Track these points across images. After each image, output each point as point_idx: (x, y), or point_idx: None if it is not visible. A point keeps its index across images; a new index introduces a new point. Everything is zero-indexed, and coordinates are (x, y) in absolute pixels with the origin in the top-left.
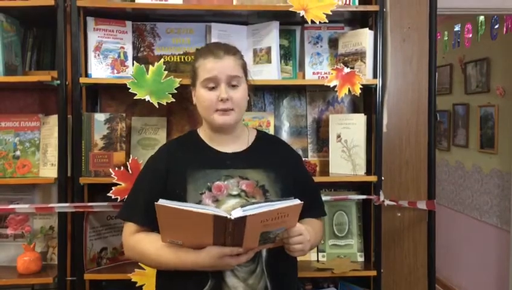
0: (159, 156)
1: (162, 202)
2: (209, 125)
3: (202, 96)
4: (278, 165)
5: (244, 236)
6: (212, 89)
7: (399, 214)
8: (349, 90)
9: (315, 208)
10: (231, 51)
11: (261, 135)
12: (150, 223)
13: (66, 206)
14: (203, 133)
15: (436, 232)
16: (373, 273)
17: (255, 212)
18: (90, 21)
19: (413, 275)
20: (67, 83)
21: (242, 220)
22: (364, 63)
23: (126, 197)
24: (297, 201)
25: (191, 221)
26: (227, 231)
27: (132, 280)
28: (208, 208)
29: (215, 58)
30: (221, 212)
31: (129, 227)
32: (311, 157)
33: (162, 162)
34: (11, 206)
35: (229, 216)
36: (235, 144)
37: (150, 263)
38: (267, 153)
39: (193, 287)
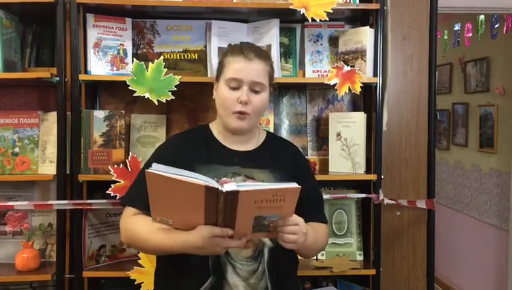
0: (167, 146)
1: (154, 167)
2: (223, 124)
3: (223, 95)
4: (284, 166)
5: (236, 216)
6: (234, 89)
7: (398, 213)
8: (349, 88)
9: (317, 214)
10: (262, 55)
11: (271, 137)
12: (150, 211)
13: (64, 204)
14: (215, 128)
15: (435, 231)
16: (372, 272)
17: (248, 189)
18: (90, 18)
19: (412, 274)
20: (66, 79)
21: (234, 195)
22: (365, 61)
23: (132, 184)
24: (295, 184)
25: (182, 192)
26: (219, 207)
27: (131, 278)
28: (200, 177)
29: (244, 60)
30: (213, 183)
31: (128, 210)
32: (311, 156)
33: (170, 152)
34: (9, 203)
35: (220, 188)
36: (245, 144)
37: (140, 244)
38: (275, 154)
39: (194, 284)
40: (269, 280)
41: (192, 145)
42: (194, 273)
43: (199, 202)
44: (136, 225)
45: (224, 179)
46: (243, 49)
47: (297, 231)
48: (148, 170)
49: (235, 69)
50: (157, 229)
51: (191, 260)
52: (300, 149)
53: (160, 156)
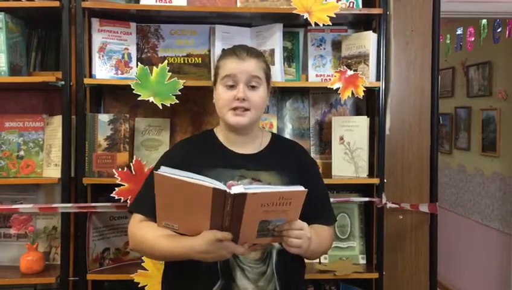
0: (173, 153)
1: (162, 170)
2: (225, 125)
3: (220, 94)
4: (291, 167)
5: (242, 219)
6: (231, 87)
7: (401, 217)
8: (352, 92)
9: (324, 215)
10: (254, 53)
11: (276, 138)
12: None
13: (69, 207)
14: (219, 133)
15: (438, 235)
16: (375, 275)
17: (256, 191)
18: (95, 22)
19: (414, 278)
20: (71, 83)
21: (242, 197)
22: (368, 65)
23: (139, 191)
24: (302, 188)
25: (189, 194)
26: (226, 211)
27: (134, 281)
28: (208, 180)
29: (237, 59)
30: (221, 185)
31: (135, 217)
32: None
33: (176, 158)
34: (14, 206)
35: (228, 190)
36: (250, 146)
37: (148, 250)
38: (281, 155)
39: (203, 288)
40: (278, 282)
41: (198, 150)
42: (203, 277)
43: (206, 204)
44: (143, 231)
45: (231, 182)
46: (236, 50)
47: (302, 235)
48: (157, 172)
49: (229, 68)
50: (164, 235)
51: (200, 263)
52: (305, 149)
53: (167, 162)
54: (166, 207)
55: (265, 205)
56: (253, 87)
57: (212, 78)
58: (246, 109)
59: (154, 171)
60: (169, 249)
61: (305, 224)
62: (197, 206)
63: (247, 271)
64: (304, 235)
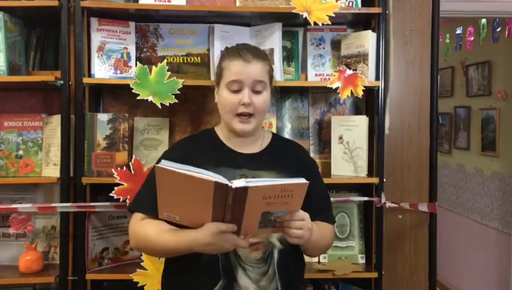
0: (174, 152)
1: (163, 163)
2: (227, 126)
3: (225, 99)
4: (291, 167)
5: (244, 212)
6: (236, 92)
7: (400, 216)
8: (351, 92)
9: (325, 213)
10: (260, 56)
11: (276, 138)
12: (158, 215)
13: (68, 206)
14: (220, 132)
15: (437, 235)
16: (374, 275)
17: (258, 185)
18: (94, 21)
19: (414, 277)
20: (70, 83)
21: (243, 191)
22: (367, 65)
23: (139, 190)
24: (303, 180)
25: (191, 188)
26: (228, 204)
27: (134, 280)
28: (210, 174)
29: (243, 62)
30: (223, 179)
31: (136, 216)
32: None
33: (176, 157)
34: (13, 206)
35: (230, 184)
36: (251, 146)
37: (151, 246)
38: (281, 155)
39: (204, 287)
40: (279, 282)
41: (199, 149)
42: (205, 276)
43: (208, 198)
44: (145, 228)
45: (232, 181)
46: (241, 52)
47: (304, 225)
48: (158, 165)
49: (234, 72)
50: (166, 229)
51: (201, 262)
52: (305, 149)
53: (168, 160)
54: (168, 199)
55: (267, 197)
56: (257, 91)
57: (214, 77)
58: (251, 115)
59: (156, 165)
60: (173, 243)
61: (306, 214)
62: (198, 199)
63: (248, 271)
64: (306, 226)
